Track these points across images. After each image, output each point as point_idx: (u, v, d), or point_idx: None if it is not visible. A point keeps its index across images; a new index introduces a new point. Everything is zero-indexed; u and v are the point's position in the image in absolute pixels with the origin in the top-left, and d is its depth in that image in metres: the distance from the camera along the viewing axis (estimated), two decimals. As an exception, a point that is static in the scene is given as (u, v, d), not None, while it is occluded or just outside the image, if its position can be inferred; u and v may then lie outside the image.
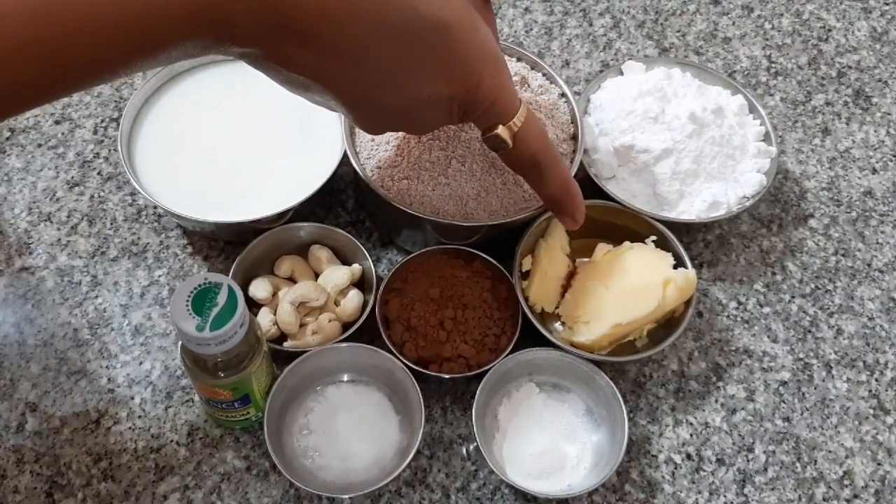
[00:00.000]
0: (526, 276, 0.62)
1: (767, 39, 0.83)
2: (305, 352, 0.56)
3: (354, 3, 0.39)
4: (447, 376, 0.56)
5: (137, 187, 0.61)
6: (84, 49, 0.35)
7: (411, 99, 0.44)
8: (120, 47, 0.36)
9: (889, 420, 0.62)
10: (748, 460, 0.59)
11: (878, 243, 0.71)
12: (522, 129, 0.48)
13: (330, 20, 0.38)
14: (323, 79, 0.42)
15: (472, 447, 0.58)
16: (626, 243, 0.62)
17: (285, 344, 0.59)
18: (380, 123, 0.48)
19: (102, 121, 0.72)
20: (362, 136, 0.63)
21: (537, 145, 0.49)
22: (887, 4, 0.87)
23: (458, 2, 0.42)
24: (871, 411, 0.62)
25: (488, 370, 0.56)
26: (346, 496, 0.55)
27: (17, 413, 0.57)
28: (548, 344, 0.58)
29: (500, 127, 0.47)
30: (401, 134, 0.61)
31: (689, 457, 0.59)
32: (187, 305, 0.45)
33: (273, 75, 0.43)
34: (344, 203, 0.69)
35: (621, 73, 0.72)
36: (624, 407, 0.55)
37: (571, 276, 0.62)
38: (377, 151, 0.61)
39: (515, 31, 0.81)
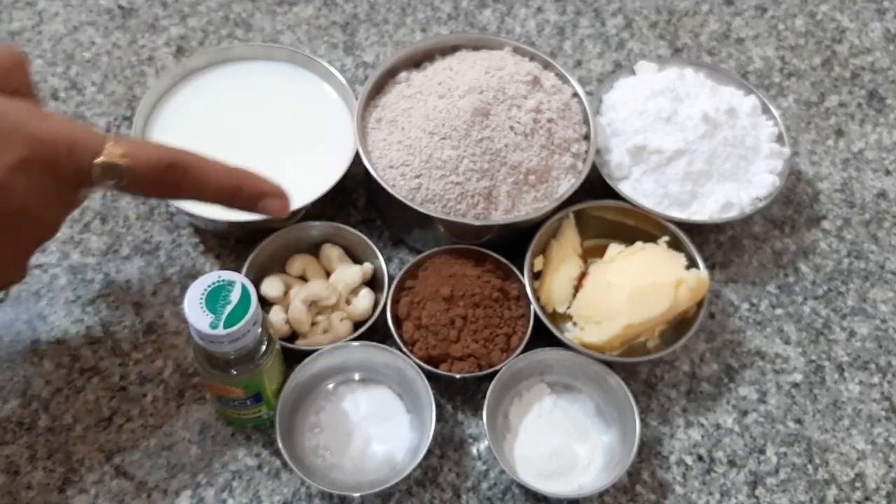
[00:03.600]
0: (537, 275, 0.62)
1: (781, 40, 0.83)
2: (317, 350, 0.56)
3: None
4: (458, 375, 0.56)
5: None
6: None
7: None
8: None
9: (902, 423, 0.61)
10: (760, 462, 0.59)
11: (891, 245, 0.70)
12: (129, 150, 0.46)
13: None
14: None
15: (482, 447, 0.58)
16: (639, 244, 0.62)
17: (297, 342, 0.59)
18: None
19: (115, 119, 0.72)
20: (374, 136, 0.63)
21: (156, 154, 0.47)
22: (901, 5, 0.87)
23: None
24: (883, 413, 0.62)
25: (499, 370, 0.56)
26: (357, 494, 0.55)
27: (30, 410, 0.57)
28: (559, 344, 0.58)
29: (100, 157, 0.45)
30: (411, 133, 0.61)
31: (700, 458, 0.59)
32: (201, 303, 0.46)
33: None
34: (355, 202, 0.69)
35: (634, 74, 0.72)
36: (635, 408, 0.55)
37: (583, 276, 0.62)
38: (389, 151, 0.61)
39: (527, 31, 0.81)
